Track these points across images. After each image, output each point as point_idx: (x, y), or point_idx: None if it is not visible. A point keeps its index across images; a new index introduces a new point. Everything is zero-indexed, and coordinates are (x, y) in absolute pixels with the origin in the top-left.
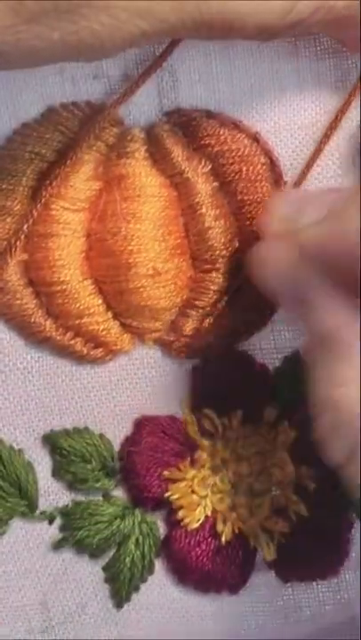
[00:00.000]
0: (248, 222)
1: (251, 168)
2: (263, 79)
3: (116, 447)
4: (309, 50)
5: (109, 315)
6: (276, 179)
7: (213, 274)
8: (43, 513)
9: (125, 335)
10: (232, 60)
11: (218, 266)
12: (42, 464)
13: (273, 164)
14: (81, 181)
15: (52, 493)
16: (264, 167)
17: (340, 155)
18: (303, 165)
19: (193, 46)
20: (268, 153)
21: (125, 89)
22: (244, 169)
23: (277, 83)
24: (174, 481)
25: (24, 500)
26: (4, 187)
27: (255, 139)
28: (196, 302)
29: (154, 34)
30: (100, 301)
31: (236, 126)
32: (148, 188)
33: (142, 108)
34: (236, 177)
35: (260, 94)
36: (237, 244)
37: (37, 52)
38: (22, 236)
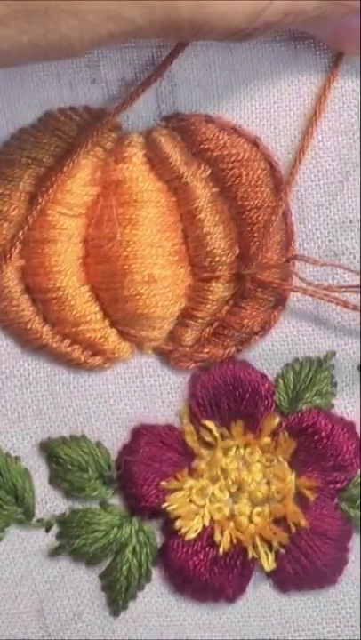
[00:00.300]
0: (249, 228)
1: (250, 173)
2: (262, 83)
3: (114, 456)
4: (308, 53)
5: (107, 322)
6: (276, 184)
7: (213, 283)
8: (40, 521)
9: (123, 343)
10: (232, 64)
11: (218, 274)
12: (39, 472)
13: (273, 169)
14: (78, 186)
15: (49, 501)
16: (264, 172)
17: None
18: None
19: (192, 51)
20: (267, 157)
21: (125, 97)
22: (244, 174)
23: (276, 87)
24: (172, 491)
25: (21, 507)
26: (0, 191)
27: (255, 143)
28: (195, 312)
29: (122, 35)
30: (98, 309)
31: (236, 131)
32: (145, 193)
33: (140, 112)
34: (236, 182)
35: (259, 98)
36: (238, 251)
37: (6, 55)
38: (18, 242)
